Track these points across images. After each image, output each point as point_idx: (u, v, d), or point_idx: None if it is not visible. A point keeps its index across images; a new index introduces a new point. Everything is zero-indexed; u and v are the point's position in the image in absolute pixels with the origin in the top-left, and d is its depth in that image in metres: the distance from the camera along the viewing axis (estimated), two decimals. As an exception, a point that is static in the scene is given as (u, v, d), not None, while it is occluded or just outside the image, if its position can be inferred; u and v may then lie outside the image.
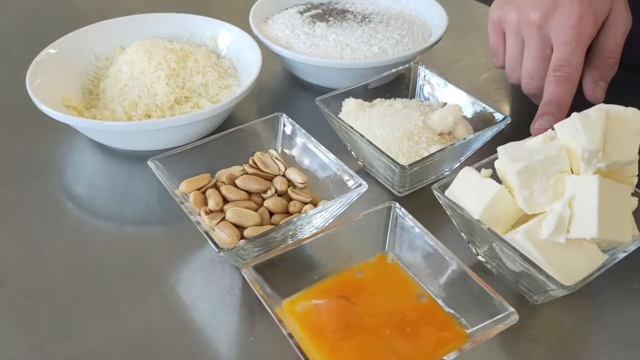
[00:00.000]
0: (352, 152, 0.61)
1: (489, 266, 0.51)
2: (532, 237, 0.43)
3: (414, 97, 0.65)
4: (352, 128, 0.55)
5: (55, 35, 0.70)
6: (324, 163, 0.55)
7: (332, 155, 0.53)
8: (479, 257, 0.51)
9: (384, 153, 0.52)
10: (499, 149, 0.47)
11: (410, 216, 0.47)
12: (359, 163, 0.61)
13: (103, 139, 0.63)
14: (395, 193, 0.57)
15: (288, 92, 0.74)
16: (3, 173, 0.61)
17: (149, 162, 0.52)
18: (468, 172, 0.48)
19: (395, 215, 0.47)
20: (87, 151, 0.64)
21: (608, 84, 0.59)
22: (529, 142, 0.46)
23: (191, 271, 0.51)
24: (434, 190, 0.48)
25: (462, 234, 0.50)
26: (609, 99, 0.60)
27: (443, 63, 0.78)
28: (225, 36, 0.73)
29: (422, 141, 0.55)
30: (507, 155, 0.45)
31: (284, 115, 0.57)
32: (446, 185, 0.49)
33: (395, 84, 0.64)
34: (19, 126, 0.67)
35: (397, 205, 0.47)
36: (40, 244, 0.54)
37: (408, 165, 0.51)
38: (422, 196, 0.57)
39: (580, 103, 0.54)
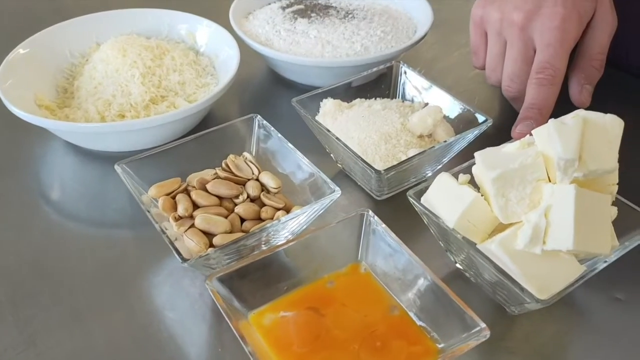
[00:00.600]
0: (331, 155, 0.59)
1: (467, 274, 0.49)
2: (507, 248, 0.41)
3: (396, 97, 0.63)
4: (328, 131, 0.54)
5: (29, 30, 0.68)
6: (299, 167, 0.53)
7: (306, 160, 0.52)
8: (457, 265, 0.50)
9: (359, 157, 0.51)
10: (477, 154, 0.45)
11: (383, 225, 0.45)
12: (339, 165, 0.59)
13: (75, 139, 0.61)
14: (374, 197, 0.56)
15: (269, 90, 0.72)
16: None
17: (116, 167, 0.50)
18: (444, 178, 0.46)
19: (368, 222, 0.45)
20: (60, 152, 0.62)
21: (594, 87, 0.58)
22: (506, 148, 0.45)
23: (161, 278, 0.50)
24: (409, 197, 0.47)
25: (440, 242, 0.49)
26: (595, 100, 0.59)
27: (429, 60, 0.76)
28: (203, 32, 0.71)
29: (400, 144, 0.53)
30: (484, 162, 0.43)
31: (259, 116, 0.56)
32: (422, 191, 0.47)
33: (377, 84, 0.63)
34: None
35: (370, 212, 0.45)
36: (5, 248, 0.52)
37: (384, 170, 0.49)
38: (401, 200, 0.55)
39: (567, 108, 0.52)
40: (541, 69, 0.53)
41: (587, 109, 0.44)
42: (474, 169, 0.46)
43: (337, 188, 0.48)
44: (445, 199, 0.45)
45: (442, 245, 0.49)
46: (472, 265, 0.46)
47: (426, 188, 0.47)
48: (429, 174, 0.57)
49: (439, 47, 0.78)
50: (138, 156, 0.51)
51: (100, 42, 0.71)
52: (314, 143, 0.59)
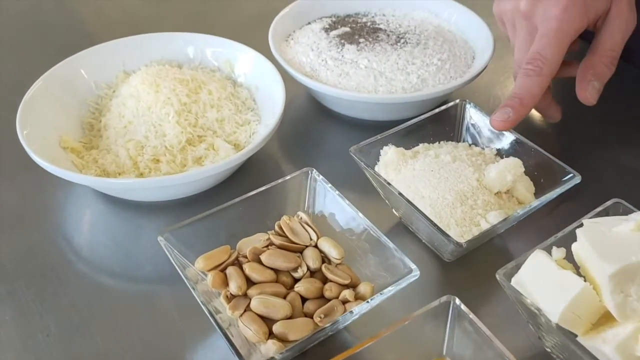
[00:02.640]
0: (388, 202, 0.53)
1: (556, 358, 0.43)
2: (626, 353, 0.35)
3: (460, 139, 0.56)
4: (394, 187, 0.47)
5: (50, 48, 0.61)
6: (362, 230, 0.47)
7: (373, 226, 0.45)
8: (547, 349, 0.44)
9: (434, 225, 0.44)
10: (580, 233, 0.39)
11: (472, 315, 0.39)
12: (396, 214, 0.53)
13: (105, 189, 0.55)
14: (442, 258, 0.50)
15: (312, 121, 0.66)
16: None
17: (159, 239, 0.44)
18: (540, 258, 0.40)
19: (455, 312, 0.39)
20: (87, 199, 0.56)
21: (603, 86, 0.54)
22: (618, 228, 0.38)
23: (210, 355, 0.44)
24: (499, 279, 0.41)
25: (530, 325, 0.43)
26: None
27: (485, 86, 0.69)
28: (241, 59, 0.65)
29: (477, 205, 0.47)
30: (594, 248, 0.37)
31: (314, 171, 0.49)
32: (512, 272, 0.41)
33: (438, 121, 0.56)
34: (8, 168, 0.59)
35: (457, 300, 0.39)
36: (32, 323, 0.46)
37: (465, 243, 0.43)
38: (472, 260, 0.50)
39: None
40: (531, 59, 0.51)
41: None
42: (574, 247, 0.40)
43: (415, 268, 0.42)
44: (542, 284, 0.39)
45: (531, 327, 0.43)
46: (567, 350, 0.40)
47: (516, 267, 0.41)
48: (501, 231, 0.51)
49: (495, 69, 0.70)
50: (183, 224, 0.45)
51: (127, 70, 0.65)
52: (364, 186, 0.53)
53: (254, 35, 0.67)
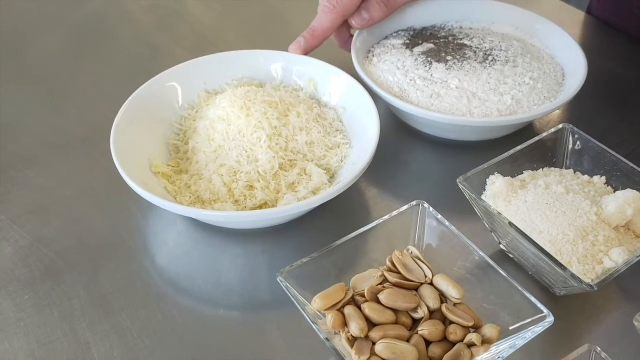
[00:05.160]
0: (492, 233, 0.51)
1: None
2: None
3: (564, 165, 0.54)
4: (515, 226, 0.46)
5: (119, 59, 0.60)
6: (473, 264, 0.46)
7: (488, 259, 0.44)
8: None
9: (559, 264, 0.43)
10: None
11: (614, 364, 0.37)
12: (499, 243, 0.52)
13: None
14: (552, 291, 0.48)
15: (396, 140, 0.64)
16: (86, 251, 0.53)
17: (279, 279, 0.43)
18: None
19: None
20: (179, 224, 0.55)
21: (372, 21, 0.65)
22: None
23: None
24: (637, 325, 0.39)
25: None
26: None
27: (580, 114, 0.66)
28: (326, 79, 0.63)
29: (598, 242, 0.45)
30: None
31: (425, 204, 0.48)
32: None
33: (543, 147, 0.54)
34: (98, 194, 0.58)
35: (598, 349, 0.38)
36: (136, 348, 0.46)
37: (596, 285, 0.42)
38: (584, 294, 0.48)
39: None
40: None
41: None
42: None
43: (549, 313, 0.40)
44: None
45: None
46: None
47: None
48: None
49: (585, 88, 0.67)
50: (299, 264, 0.44)
51: (209, 90, 0.64)
52: (459, 205, 0.52)
53: (326, 50, 0.66)
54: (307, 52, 0.63)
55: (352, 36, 0.67)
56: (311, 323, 0.41)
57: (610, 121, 0.65)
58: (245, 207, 0.53)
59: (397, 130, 0.65)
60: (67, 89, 0.71)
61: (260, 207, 0.54)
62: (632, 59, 0.75)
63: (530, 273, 0.50)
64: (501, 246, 0.52)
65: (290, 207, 0.49)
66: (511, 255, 0.51)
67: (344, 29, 0.67)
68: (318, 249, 0.45)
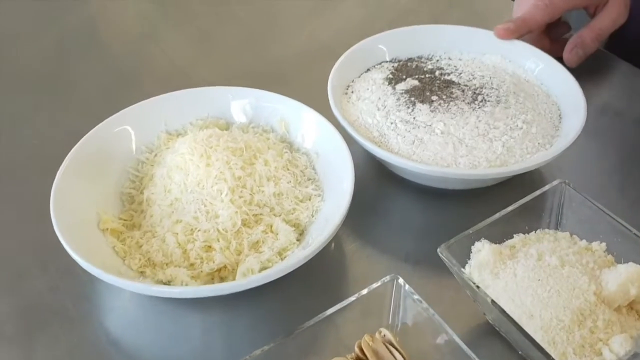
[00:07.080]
0: (477, 304, 0.46)
1: None
2: None
3: (559, 226, 0.49)
4: (497, 305, 0.40)
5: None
6: (449, 348, 0.40)
7: (465, 347, 0.38)
8: None
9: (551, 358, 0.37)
10: None
11: None
12: (483, 314, 0.46)
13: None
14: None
15: (376, 186, 0.58)
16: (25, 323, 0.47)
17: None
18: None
19: None
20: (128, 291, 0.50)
21: (585, 56, 0.67)
22: None
23: None
24: None
25: None
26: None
27: (572, 161, 0.60)
28: (298, 120, 0.57)
29: (597, 328, 0.40)
30: None
31: (400, 280, 0.42)
32: None
33: (535, 207, 0.48)
34: (37, 252, 0.52)
35: None
36: None
37: (594, 386, 0.36)
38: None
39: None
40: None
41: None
42: None
43: None
44: None
45: None
46: None
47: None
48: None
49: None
50: (259, 352, 0.38)
51: (170, 130, 0.58)
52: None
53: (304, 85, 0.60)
54: (514, 37, 0.64)
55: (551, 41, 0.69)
56: None
57: (610, 163, 0.60)
58: (202, 271, 0.48)
59: (376, 174, 0.59)
60: (24, 120, 0.65)
61: (219, 271, 0.48)
62: (636, 91, 0.69)
63: (520, 352, 0.44)
64: (487, 318, 0.46)
65: (246, 281, 0.43)
66: (497, 329, 0.45)
67: (543, 36, 0.69)
68: (282, 321, 0.40)
